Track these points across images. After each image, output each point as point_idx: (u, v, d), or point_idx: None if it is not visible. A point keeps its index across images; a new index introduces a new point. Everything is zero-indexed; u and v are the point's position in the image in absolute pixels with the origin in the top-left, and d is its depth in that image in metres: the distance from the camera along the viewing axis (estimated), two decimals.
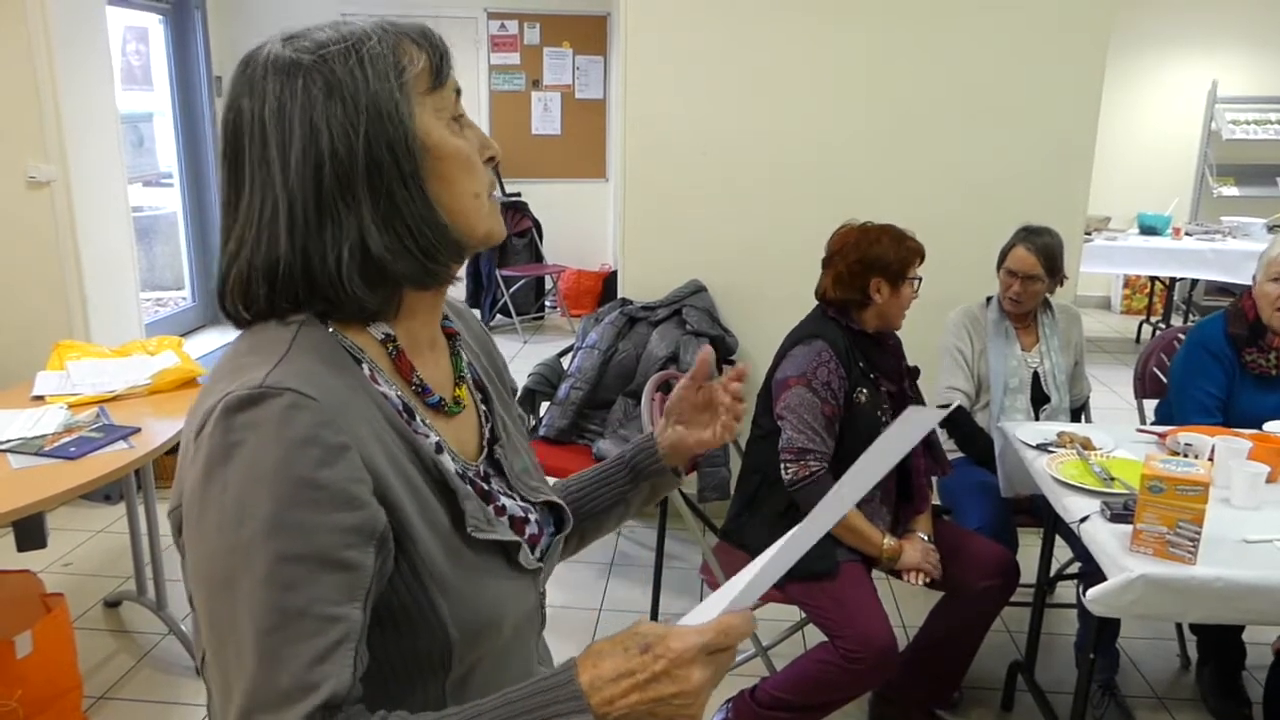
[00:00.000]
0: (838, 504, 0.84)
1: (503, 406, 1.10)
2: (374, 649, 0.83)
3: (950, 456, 3.03)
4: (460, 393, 1.01)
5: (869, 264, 2.44)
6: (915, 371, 2.62)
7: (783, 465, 2.38)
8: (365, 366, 0.89)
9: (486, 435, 1.04)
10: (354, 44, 0.85)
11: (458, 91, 0.92)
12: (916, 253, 2.46)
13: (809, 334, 2.47)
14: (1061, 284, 3.01)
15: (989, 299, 3.07)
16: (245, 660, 0.76)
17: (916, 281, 2.47)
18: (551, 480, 1.21)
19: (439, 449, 0.92)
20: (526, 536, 1.00)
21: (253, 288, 0.87)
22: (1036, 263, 2.91)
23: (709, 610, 0.85)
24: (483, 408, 1.06)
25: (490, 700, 0.80)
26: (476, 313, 7.59)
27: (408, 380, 0.93)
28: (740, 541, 2.55)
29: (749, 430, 2.61)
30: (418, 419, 0.92)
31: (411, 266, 0.87)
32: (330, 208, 0.84)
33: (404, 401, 0.91)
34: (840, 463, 2.40)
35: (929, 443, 2.58)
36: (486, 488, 0.98)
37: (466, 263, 1.00)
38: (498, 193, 0.95)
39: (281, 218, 0.85)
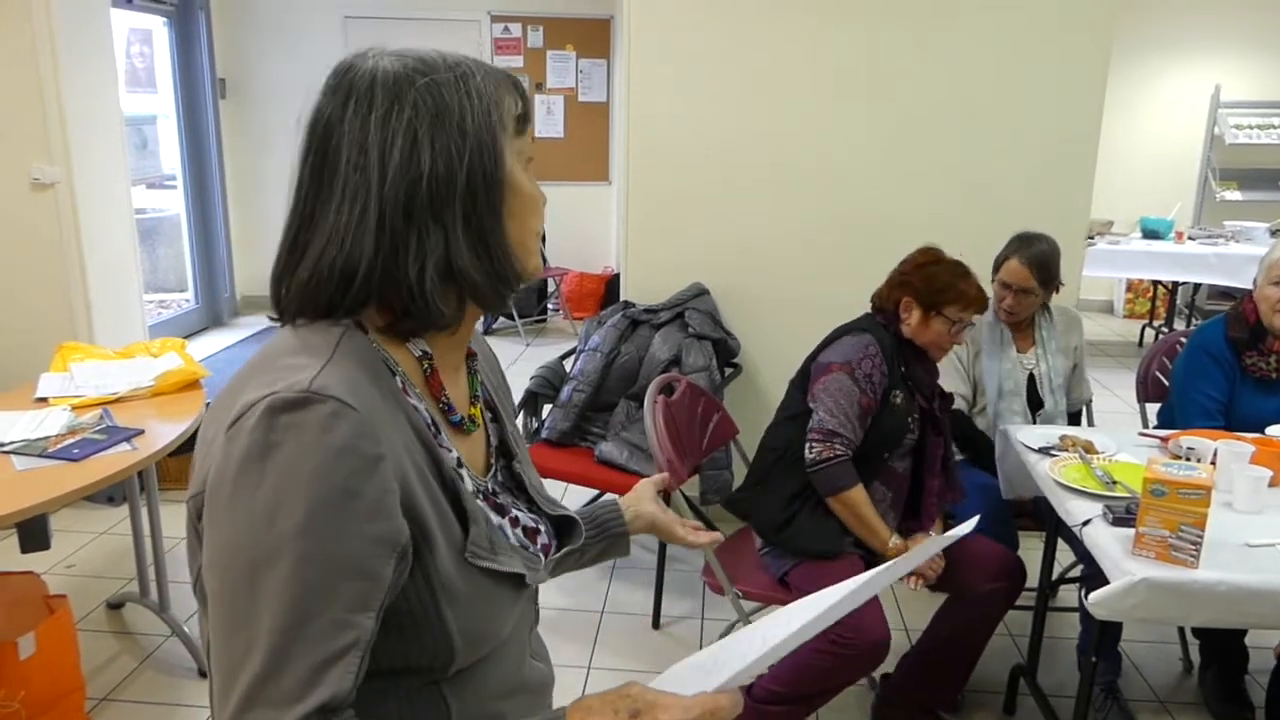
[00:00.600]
0: (844, 604, 0.89)
1: (510, 424, 1.13)
2: (376, 651, 0.85)
3: None
4: (475, 411, 1.04)
5: (907, 281, 2.46)
6: (950, 398, 2.62)
7: (808, 444, 2.39)
8: (398, 379, 0.92)
9: (494, 452, 1.07)
10: (463, 75, 0.90)
11: (533, 138, 0.98)
12: (965, 297, 2.40)
13: (859, 328, 2.49)
14: (1057, 290, 2.98)
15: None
16: (255, 653, 0.77)
17: (956, 325, 2.43)
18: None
19: (459, 464, 0.96)
20: (539, 546, 1.05)
21: (324, 288, 0.89)
22: (1029, 275, 2.88)
23: (701, 671, 0.89)
24: (493, 425, 1.10)
25: None
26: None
27: (436, 398, 0.97)
28: (744, 513, 2.57)
29: (773, 415, 2.62)
30: (442, 434, 0.95)
31: (487, 287, 0.92)
32: (419, 221, 0.87)
33: (431, 416, 0.94)
34: (861, 459, 2.41)
35: (947, 468, 2.57)
36: (499, 501, 1.02)
37: None
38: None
39: (370, 223, 0.87)
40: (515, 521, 1.02)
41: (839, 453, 2.37)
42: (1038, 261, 2.88)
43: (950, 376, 2.98)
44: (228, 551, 0.80)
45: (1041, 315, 3.05)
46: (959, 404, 2.96)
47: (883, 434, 2.43)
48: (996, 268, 2.98)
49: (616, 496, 1.33)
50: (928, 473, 2.52)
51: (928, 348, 2.49)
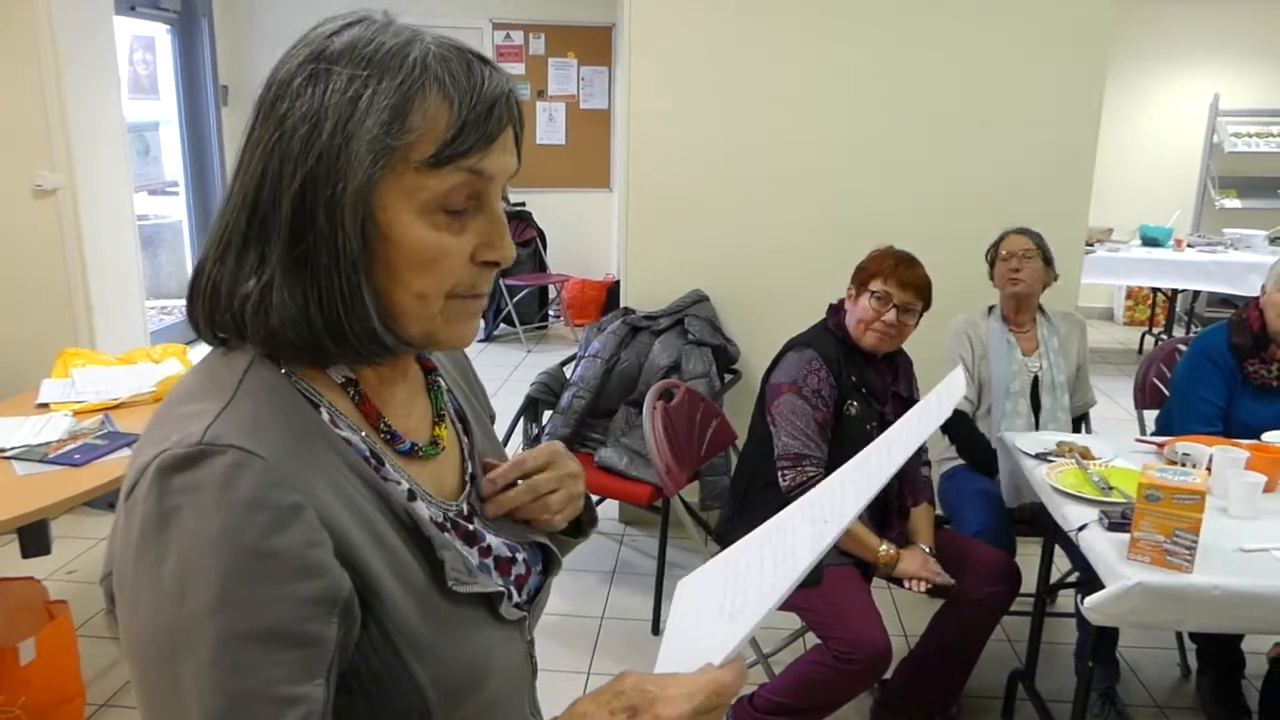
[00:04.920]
0: (829, 529, 0.78)
1: (484, 435, 1.02)
2: (346, 718, 0.76)
3: (950, 464, 3.05)
4: (440, 432, 0.92)
5: (855, 269, 2.54)
6: (910, 404, 2.62)
7: (780, 473, 2.40)
8: (324, 411, 0.80)
9: (470, 471, 0.95)
10: (373, 73, 0.73)
11: (476, 172, 0.77)
12: (883, 267, 2.46)
13: (802, 342, 2.51)
14: (1056, 277, 3.06)
15: (991, 308, 3.09)
16: None
17: (877, 297, 2.45)
18: None
19: (411, 496, 0.84)
20: (514, 577, 0.93)
21: (191, 301, 0.80)
22: (1028, 241, 2.98)
23: (694, 641, 0.80)
24: (465, 439, 0.97)
25: None
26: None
27: (375, 426, 0.84)
28: (732, 543, 2.56)
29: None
30: (387, 465, 0.83)
31: (304, 337, 0.76)
32: (257, 231, 0.75)
33: (370, 448, 0.82)
34: (828, 469, 2.42)
35: (905, 470, 2.57)
36: (470, 528, 0.90)
37: (479, 315, 0.83)
38: (479, 295, 0.83)
39: (215, 233, 0.77)
40: (486, 551, 0.90)
41: (811, 475, 2.38)
42: (1030, 234, 3.01)
43: None
44: (142, 641, 0.70)
45: (1042, 317, 3.09)
46: (964, 405, 2.97)
47: (844, 446, 2.43)
48: (993, 252, 3.07)
49: None
50: (893, 478, 2.52)
51: (862, 334, 2.48)
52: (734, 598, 0.79)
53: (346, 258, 0.74)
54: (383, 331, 0.77)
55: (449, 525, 0.87)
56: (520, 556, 0.94)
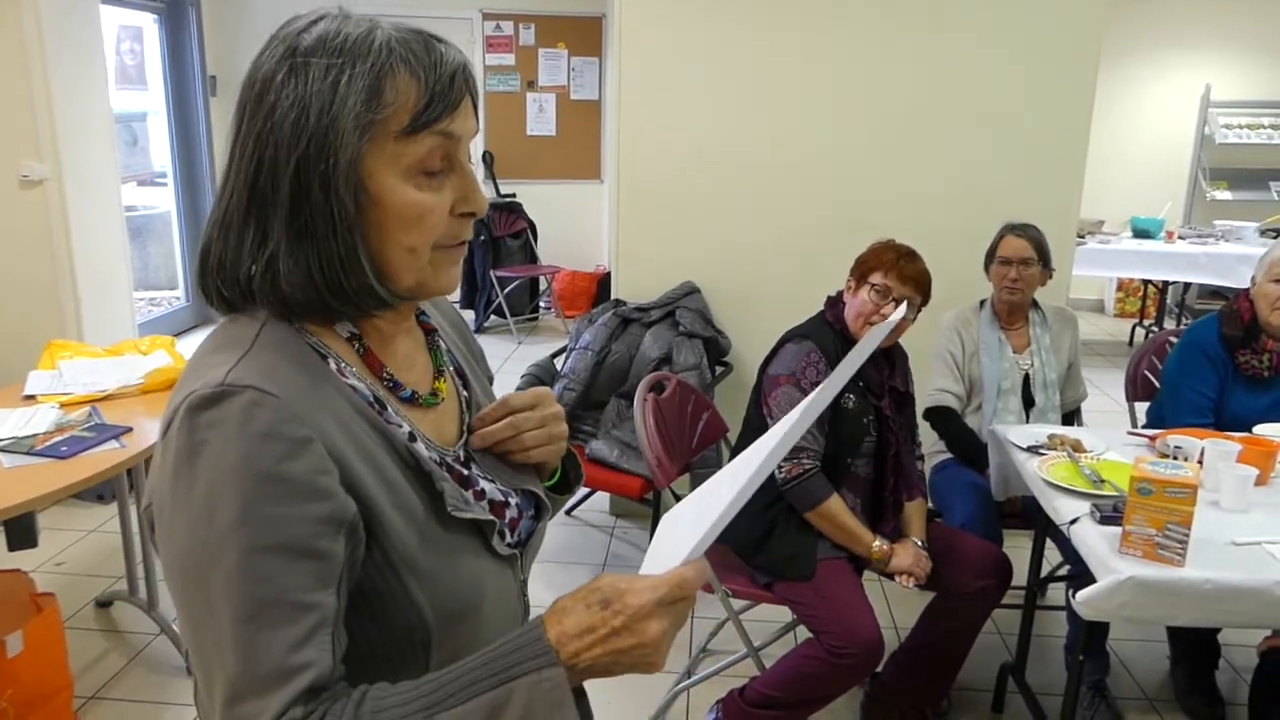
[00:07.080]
0: (781, 442, 0.84)
1: (482, 391, 1.12)
2: (353, 635, 0.86)
3: (939, 457, 3.05)
4: (440, 385, 1.02)
5: (853, 268, 2.52)
6: (907, 398, 2.61)
7: (776, 466, 2.38)
8: (332, 361, 0.90)
9: (467, 422, 1.06)
10: (346, 60, 0.83)
11: (447, 135, 0.88)
12: (884, 261, 2.43)
13: (800, 334, 2.49)
14: (1051, 276, 3.05)
15: (982, 302, 3.09)
16: (224, 651, 0.78)
17: (876, 290, 2.43)
18: None
19: (412, 438, 0.94)
20: (507, 520, 1.02)
21: (204, 276, 0.91)
22: (1028, 246, 2.96)
23: (667, 553, 0.88)
24: (464, 393, 1.08)
25: (468, 661, 0.82)
26: (469, 315, 7.49)
27: (378, 376, 0.95)
28: (723, 535, 2.56)
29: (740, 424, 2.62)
30: (389, 410, 0.93)
31: (311, 298, 0.87)
32: (257, 212, 0.86)
33: (374, 394, 0.93)
34: (826, 468, 2.41)
35: (900, 463, 2.57)
36: (466, 472, 1.00)
37: (460, 263, 0.96)
38: (463, 241, 0.95)
39: (218, 214, 0.88)
40: (480, 495, 1.00)
41: (807, 467, 2.37)
42: (1031, 237, 2.99)
43: (944, 375, 3.00)
44: (178, 559, 0.81)
45: (1035, 313, 3.08)
46: (951, 402, 2.97)
47: (840, 440, 2.43)
48: (991, 252, 3.05)
49: None
50: (885, 470, 2.52)
51: (860, 328, 2.46)
52: (702, 514, 0.89)
53: (342, 223, 0.85)
54: (378, 286, 0.88)
55: (445, 467, 0.97)
56: (513, 501, 1.04)
